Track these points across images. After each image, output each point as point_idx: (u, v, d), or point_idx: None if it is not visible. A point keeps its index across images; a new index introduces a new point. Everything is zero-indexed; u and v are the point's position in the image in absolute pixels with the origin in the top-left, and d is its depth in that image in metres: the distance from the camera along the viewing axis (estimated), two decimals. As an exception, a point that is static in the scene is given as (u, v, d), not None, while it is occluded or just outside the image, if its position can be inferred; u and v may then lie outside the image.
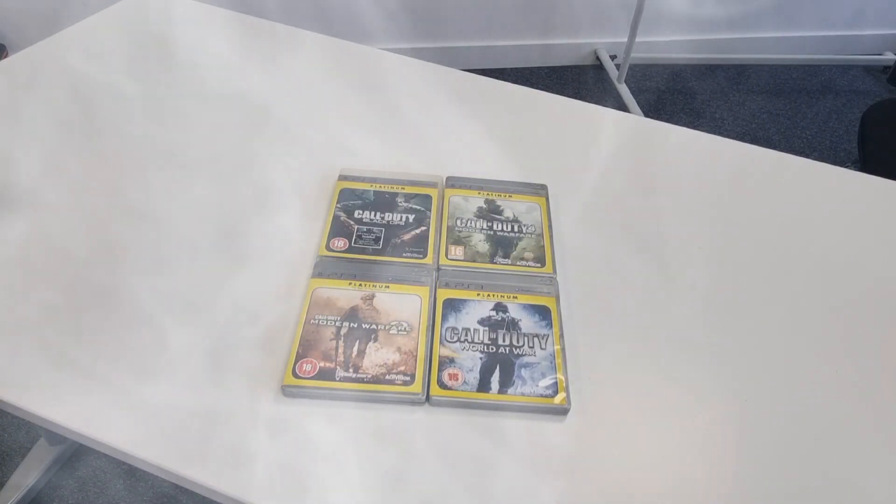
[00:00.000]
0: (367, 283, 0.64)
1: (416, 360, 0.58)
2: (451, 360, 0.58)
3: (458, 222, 0.72)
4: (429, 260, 0.67)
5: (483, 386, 0.57)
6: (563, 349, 0.60)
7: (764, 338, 0.65)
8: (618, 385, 0.59)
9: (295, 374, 0.56)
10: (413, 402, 0.56)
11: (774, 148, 1.99)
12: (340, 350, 0.58)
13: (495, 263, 0.67)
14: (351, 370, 0.57)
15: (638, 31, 2.26)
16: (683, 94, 2.51)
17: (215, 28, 1.03)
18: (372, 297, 0.63)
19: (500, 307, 0.63)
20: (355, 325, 0.60)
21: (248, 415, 0.54)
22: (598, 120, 0.92)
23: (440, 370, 0.57)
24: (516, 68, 2.58)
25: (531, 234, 0.71)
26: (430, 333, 0.60)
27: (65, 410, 0.54)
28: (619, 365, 0.61)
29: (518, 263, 0.68)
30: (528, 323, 0.62)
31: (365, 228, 0.70)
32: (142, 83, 0.90)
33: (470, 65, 2.54)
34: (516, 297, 0.64)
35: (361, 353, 0.58)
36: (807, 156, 2.24)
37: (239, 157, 0.80)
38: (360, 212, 0.72)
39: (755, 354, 0.63)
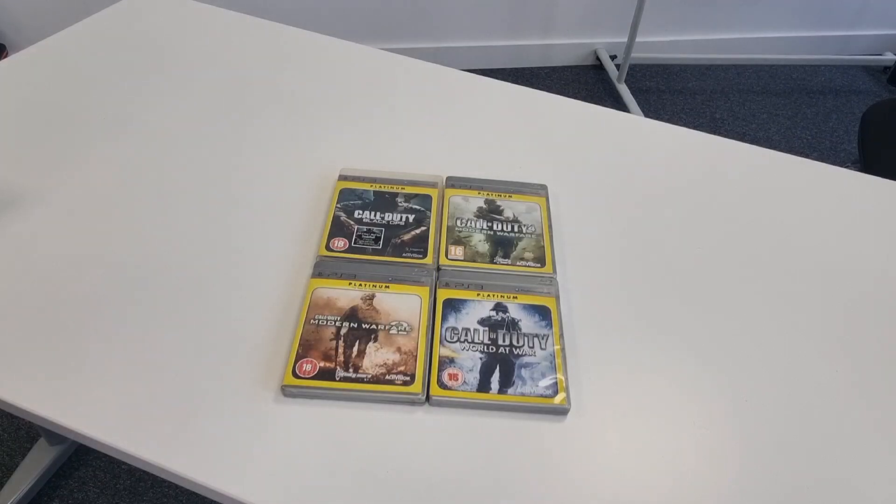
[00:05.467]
0: (367, 283, 0.64)
1: (416, 361, 0.58)
2: (451, 360, 0.58)
3: (458, 222, 0.72)
4: (429, 260, 0.67)
5: (483, 386, 0.57)
6: (563, 349, 0.60)
7: (764, 338, 0.65)
8: (618, 385, 0.59)
9: (295, 374, 0.56)
10: (413, 402, 0.56)
11: (774, 148, 1.99)
12: (340, 350, 0.58)
13: (495, 263, 0.67)
14: (351, 370, 0.57)
15: (638, 31, 2.26)
16: (683, 94, 2.51)
17: (215, 28, 1.03)
18: (372, 297, 0.63)
19: (500, 307, 0.63)
20: (355, 325, 0.60)
21: (248, 415, 0.54)
22: (598, 120, 0.92)
23: (440, 370, 0.57)
24: (516, 68, 2.58)
25: (531, 234, 0.71)
26: (430, 333, 0.60)
27: (64, 410, 0.54)
28: (618, 365, 0.61)
29: (518, 263, 0.68)
30: (528, 323, 0.62)
31: (365, 228, 0.70)
32: (141, 83, 0.90)
33: (469, 65, 2.54)
34: (516, 297, 0.64)
35: (361, 353, 0.58)
36: (807, 156, 2.24)
37: (239, 156, 0.80)
38: (360, 212, 0.72)
39: (755, 354, 0.63)
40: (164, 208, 0.72)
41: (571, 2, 2.44)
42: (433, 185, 0.76)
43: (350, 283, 0.64)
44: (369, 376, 0.56)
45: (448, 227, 0.71)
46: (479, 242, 0.69)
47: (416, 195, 0.74)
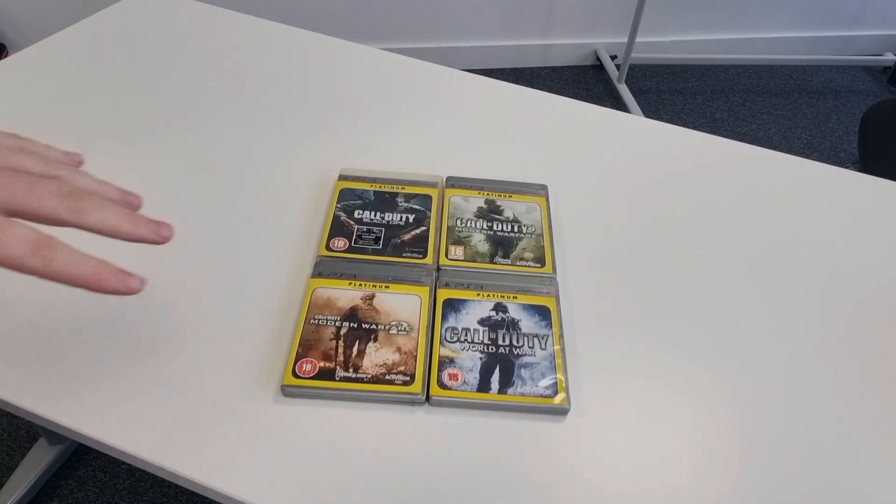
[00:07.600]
0: (367, 283, 0.64)
1: (415, 361, 0.58)
2: (451, 361, 0.58)
3: (458, 222, 0.72)
4: (429, 260, 0.67)
5: (483, 386, 0.57)
6: (563, 349, 0.60)
7: (764, 338, 0.65)
8: (618, 385, 0.59)
9: (294, 374, 0.56)
10: (413, 402, 0.56)
11: (774, 148, 1.99)
12: (340, 350, 0.58)
13: (495, 263, 0.67)
14: (351, 370, 0.57)
15: (638, 31, 2.26)
16: (683, 94, 2.51)
17: (215, 28, 1.03)
18: (372, 297, 0.63)
19: (500, 307, 0.63)
20: (355, 325, 0.60)
21: (248, 415, 0.54)
22: (598, 120, 0.92)
23: (440, 370, 0.57)
24: (516, 68, 2.58)
25: (531, 234, 0.71)
26: (430, 333, 0.60)
27: (64, 410, 0.54)
28: (619, 365, 0.61)
29: (518, 263, 0.68)
30: (528, 323, 0.62)
31: (365, 228, 0.70)
32: (141, 83, 0.90)
33: (469, 65, 2.54)
34: (516, 298, 0.64)
35: (361, 353, 0.58)
36: (807, 156, 2.24)
37: (238, 156, 0.80)
38: (360, 212, 0.72)
39: (755, 355, 0.63)
40: (162, 208, 0.72)
41: (571, 2, 2.44)
42: (433, 185, 0.76)
43: (350, 283, 0.64)
44: (369, 376, 0.56)
45: (448, 227, 0.71)
46: (479, 242, 0.69)
47: (416, 195, 0.74)
